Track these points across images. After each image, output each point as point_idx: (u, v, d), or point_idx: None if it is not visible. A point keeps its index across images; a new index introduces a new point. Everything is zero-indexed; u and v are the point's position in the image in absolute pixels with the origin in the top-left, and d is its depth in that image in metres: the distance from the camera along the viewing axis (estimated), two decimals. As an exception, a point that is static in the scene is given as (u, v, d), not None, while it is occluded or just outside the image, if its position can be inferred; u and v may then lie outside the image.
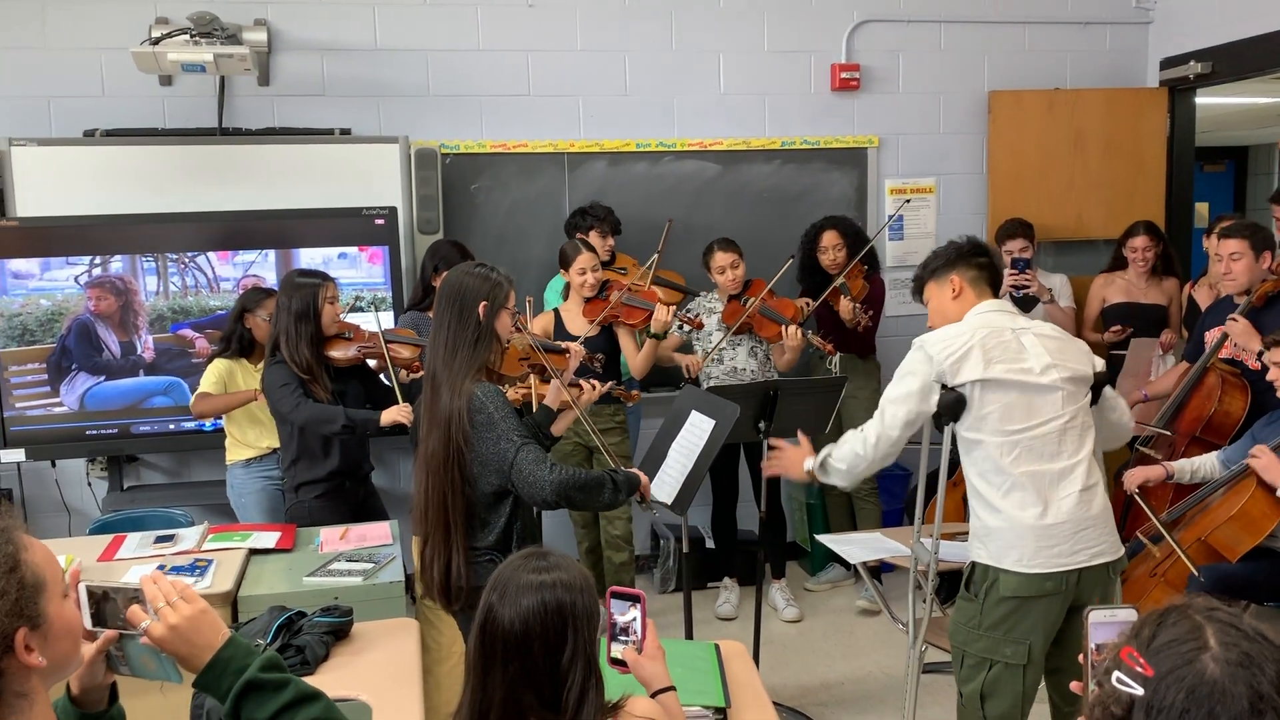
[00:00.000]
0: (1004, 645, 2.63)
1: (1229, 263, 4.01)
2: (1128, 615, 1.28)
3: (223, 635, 1.44)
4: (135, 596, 1.42)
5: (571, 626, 1.69)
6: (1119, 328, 4.88)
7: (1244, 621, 1.11)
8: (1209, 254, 4.81)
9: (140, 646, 1.43)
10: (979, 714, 2.68)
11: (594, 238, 4.58)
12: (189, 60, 4.07)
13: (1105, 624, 1.31)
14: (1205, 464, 3.77)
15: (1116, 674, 1.11)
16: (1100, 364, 2.77)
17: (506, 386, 3.00)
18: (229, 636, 1.44)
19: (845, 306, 4.57)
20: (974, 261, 2.81)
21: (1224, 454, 3.75)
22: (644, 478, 2.82)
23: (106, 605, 1.43)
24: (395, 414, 3.65)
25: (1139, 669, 1.09)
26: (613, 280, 4.47)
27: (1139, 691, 1.09)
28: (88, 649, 1.42)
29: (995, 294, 2.83)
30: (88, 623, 1.42)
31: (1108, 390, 2.81)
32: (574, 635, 1.69)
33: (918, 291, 2.95)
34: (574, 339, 3.99)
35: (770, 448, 3.13)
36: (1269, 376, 3.57)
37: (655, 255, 4.62)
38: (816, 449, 4.89)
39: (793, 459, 3.03)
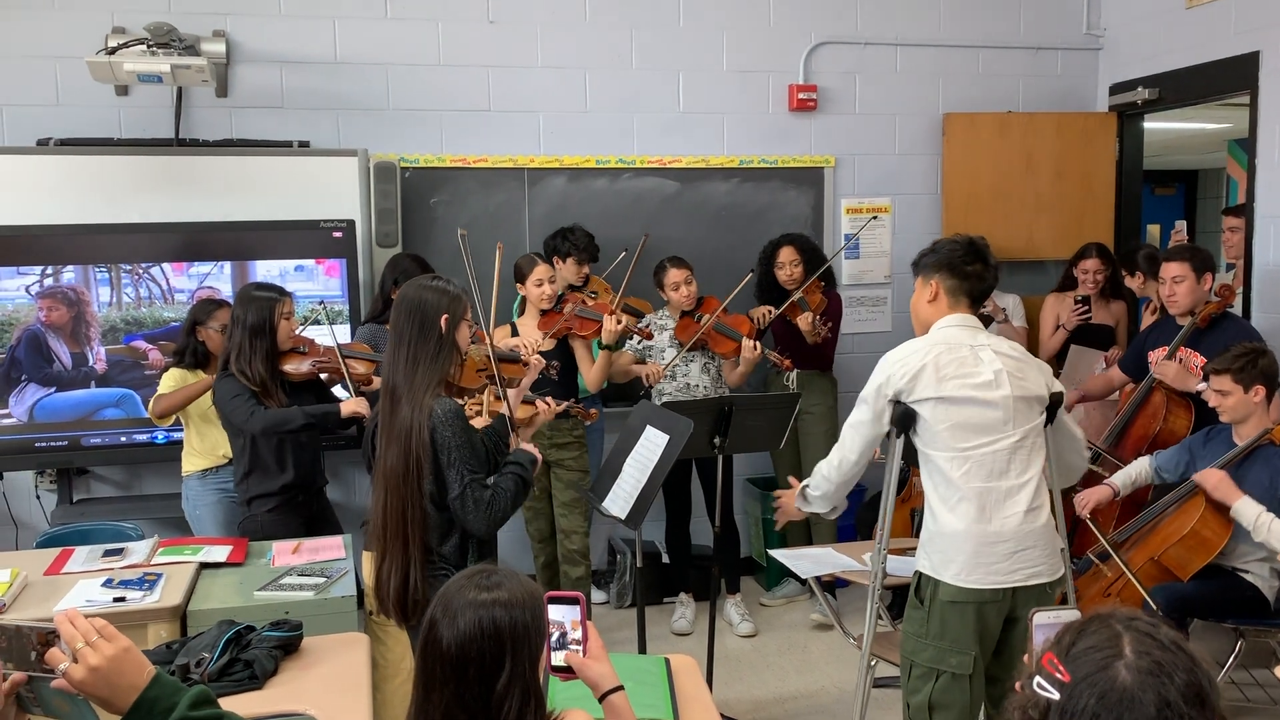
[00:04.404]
0: (950, 655, 2.67)
1: (1172, 286, 4.10)
2: (1071, 615, 1.31)
3: (148, 673, 1.38)
4: (50, 635, 1.35)
5: (510, 650, 1.63)
6: (1081, 306, 4.94)
7: (1161, 631, 1.14)
8: (1135, 291, 4.93)
9: (53, 690, 1.36)
10: None
11: (570, 263, 4.61)
12: (145, 71, 4.05)
13: (1049, 625, 1.35)
14: (1140, 470, 3.87)
15: (1037, 679, 1.15)
16: (1057, 385, 2.81)
17: (465, 399, 3.01)
18: (154, 674, 1.39)
19: (805, 319, 4.62)
20: (962, 269, 2.77)
21: (1156, 459, 3.85)
22: (530, 449, 2.84)
23: (17, 643, 1.36)
24: (354, 405, 3.69)
25: (1058, 675, 1.13)
26: (569, 293, 4.48)
27: (1055, 696, 1.12)
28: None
29: (974, 307, 2.79)
30: None
31: (1062, 413, 2.83)
32: (512, 659, 1.63)
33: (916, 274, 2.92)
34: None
35: (774, 504, 3.20)
36: (1211, 403, 3.65)
37: (624, 279, 4.67)
38: (775, 462, 5.01)
39: (787, 503, 3.11)
